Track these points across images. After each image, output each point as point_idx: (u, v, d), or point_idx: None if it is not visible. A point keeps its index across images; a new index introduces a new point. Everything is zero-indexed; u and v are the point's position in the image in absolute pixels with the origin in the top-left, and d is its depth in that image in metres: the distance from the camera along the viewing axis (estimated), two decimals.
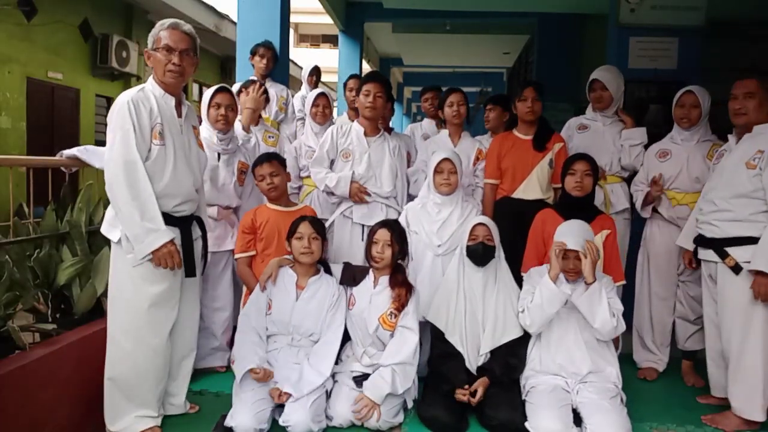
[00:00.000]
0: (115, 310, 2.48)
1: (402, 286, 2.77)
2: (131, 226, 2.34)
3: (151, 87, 2.46)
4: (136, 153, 2.32)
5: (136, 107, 2.35)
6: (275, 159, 3.12)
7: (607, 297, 2.64)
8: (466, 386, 2.68)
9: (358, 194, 3.29)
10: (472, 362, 2.78)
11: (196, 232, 2.65)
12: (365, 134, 3.39)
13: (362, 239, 3.29)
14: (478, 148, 3.61)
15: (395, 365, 2.65)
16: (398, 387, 2.63)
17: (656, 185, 3.20)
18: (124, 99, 2.35)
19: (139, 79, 9.49)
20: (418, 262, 3.08)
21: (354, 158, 3.35)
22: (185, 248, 2.52)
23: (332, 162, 3.43)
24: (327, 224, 3.35)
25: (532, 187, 3.36)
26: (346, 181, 3.28)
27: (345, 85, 4.68)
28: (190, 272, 2.57)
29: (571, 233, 2.69)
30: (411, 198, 3.44)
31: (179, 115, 2.52)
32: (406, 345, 2.69)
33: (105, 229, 2.48)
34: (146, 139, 2.37)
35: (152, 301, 2.45)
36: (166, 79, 2.43)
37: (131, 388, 2.49)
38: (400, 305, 2.74)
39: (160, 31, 2.43)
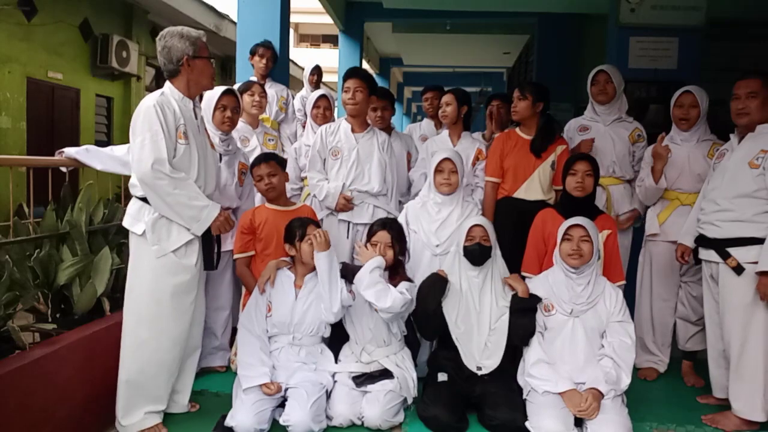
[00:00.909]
0: (135, 303, 2.55)
1: (403, 280, 2.82)
2: (184, 211, 2.48)
3: (170, 91, 2.56)
4: (165, 151, 2.42)
5: (162, 109, 2.45)
6: (273, 159, 3.12)
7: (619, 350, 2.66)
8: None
9: (344, 208, 3.30)
10: (469, 361, 2.78)
11: None
12: (353, 131, 3.37)
13: (347, 236, 3.29)
14: (477, 147, 3.61)
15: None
16: (390, 289, 2.65)
17: (660, 144, 3.15)
18: (149, 102, 2.46)
19: (140, 79, 9.49)
20: (415, 261, 3.09)
21: (343, 155, 3.33)
22: (205, 242, 2.60)
23: (324, 161, 3.41)
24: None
25: (534, 188, 3.35)
26: (334, 198, 3.29)
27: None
28: (209, 265, 2.66)
29: (575, 221, 2.71)
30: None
31: (196, 117, 2.63)
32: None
33: (128, 223, 2.56)
34: (173, 138, 2.47)
35: (174, 291, 2.53)
36: (210, 84, 2.67)
37: (146, 381, 2.54)
38: None
39: (198, 40, 2.57)
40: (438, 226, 3.08)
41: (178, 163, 2.49)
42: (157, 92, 2.54)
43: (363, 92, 3.28)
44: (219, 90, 3.14)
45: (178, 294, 2.54)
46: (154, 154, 2.40)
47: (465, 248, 2.83)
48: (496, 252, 2.90)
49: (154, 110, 2.43)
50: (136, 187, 2.52)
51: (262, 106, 3.94)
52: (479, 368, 2.77)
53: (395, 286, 2.79)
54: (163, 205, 2.46)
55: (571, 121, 3.72)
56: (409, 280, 2.86)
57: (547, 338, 2.72)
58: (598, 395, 2.53)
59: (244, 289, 3.14)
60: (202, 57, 2.56)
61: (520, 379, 2.75)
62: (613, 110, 3.50)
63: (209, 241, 2.62)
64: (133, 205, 2.56)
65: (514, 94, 3.42)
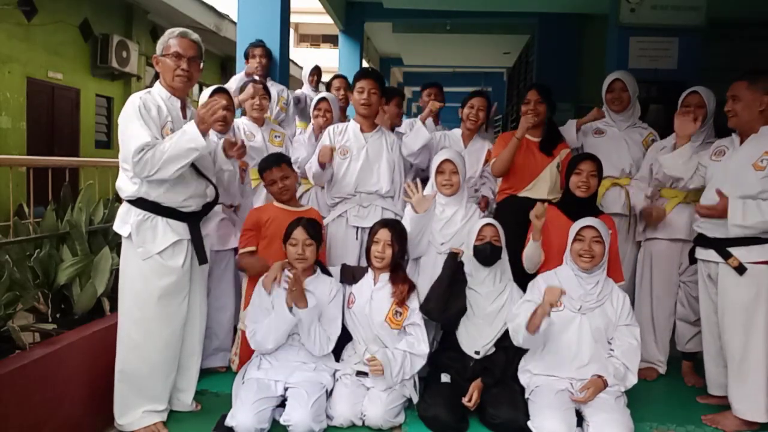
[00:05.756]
0: (125, 304, 2.55)
1: (403, 282, 2.82)
2: (179, 149, 2.37)
3: (157, 90, 2.57)
4: (149, 136, 2.39)
5: (145, 104, 2.46)
6: (284, 162, 3.12)
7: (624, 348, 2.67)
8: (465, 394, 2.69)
9: (328, 154, 3.20)
10: (473, 354, 2.80)
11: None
12: (362, 130, 3.37)
13: (356, 238, 3.29)
14: (488, 149, 3.62)
15: (409, 352, 2.75)
16: (407, 371, 2.71)
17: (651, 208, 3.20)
18: (133, 99, 2.48)
19: (140, 79, 9.49)
20: (420, 260, 3.08)
21: (352, 154, 3.33)
22: (194, 240, 2.59)
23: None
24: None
25: (539, 188, 3.32)
26: (316, 156, 3.23)
27: (330, 84, 4.63)
28: (202, 260, 2.64)
29: (586, 221, 2.72)
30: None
31: (184, 117, 2.61)
32: (418, 340, 2.78)
33: (116, 226, 2.56)
34: (156, 133, 2.45)
35: (161, 293, 2.51)
36: (174, 83, 2.55)
37: (141, 381, 2.54)
38: (401, 301, 2.78)
39: (170, 39, 2.55)
40: (443, 225, 3.08)
41: None
42: (144, 90, 2.56)
43: (377, 93, 3.30)
44: (209, 90, 3.15)
45: (166, 296, 2.53)
46: (140, 139, 2.36)
47: (475, 247, 2.82)
48: (504, 255, 2.89)
49: (136, 106, 2.42)
50: (122, 190, 2.51)
51: (263, 107, 3.93)
52: (477, 352, 2.79)
53: (395, 286, 2.82)
54: (170, 166, 2.38)
55: (587, 125, 3.62)
56: (412, 283, 2.87)
57: (553, 333, 2.70)
58: (601, 383, 2.57)
59: (244, 290, 3.13)
60: (165, 55, 2.53)
61: (522, 378, 2.74)
62: (627, 117, 3.48)
63: (199, 239, 2.60)
64: (122, 208, 2.56)
65: (533, 97, 3.30)
